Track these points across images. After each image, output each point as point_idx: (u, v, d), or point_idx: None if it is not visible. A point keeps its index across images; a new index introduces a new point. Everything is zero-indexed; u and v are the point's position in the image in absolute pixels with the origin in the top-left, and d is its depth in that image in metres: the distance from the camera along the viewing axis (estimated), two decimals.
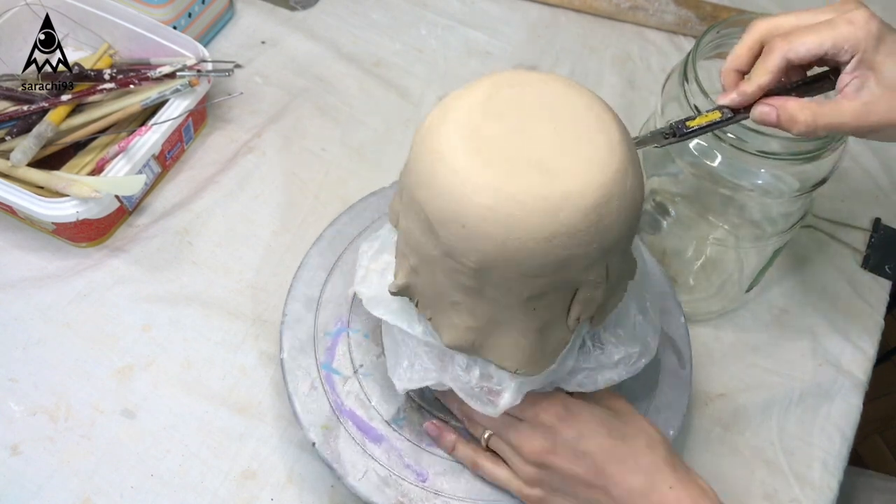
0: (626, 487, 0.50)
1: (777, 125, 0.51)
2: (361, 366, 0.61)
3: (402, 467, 0.57)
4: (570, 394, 0.54)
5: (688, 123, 0.52)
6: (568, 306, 0.48)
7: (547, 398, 0.53)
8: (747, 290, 0.72)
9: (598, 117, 0.46)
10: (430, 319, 0.50)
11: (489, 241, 0.43)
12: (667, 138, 0.54)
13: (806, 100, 0.51)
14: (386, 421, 0.59)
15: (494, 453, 0.57)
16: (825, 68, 0.53)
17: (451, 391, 0.53)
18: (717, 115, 0.52)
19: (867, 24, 0.49)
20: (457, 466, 0.58)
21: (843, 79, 0.50)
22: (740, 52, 0.53)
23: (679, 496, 0.49)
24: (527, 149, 0.44)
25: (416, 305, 0.51)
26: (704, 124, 0.52)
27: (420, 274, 0.48)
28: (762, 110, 0.51)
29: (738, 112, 0.52)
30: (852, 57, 0.50)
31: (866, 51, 0.49)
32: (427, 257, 0.47)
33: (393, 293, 0.51)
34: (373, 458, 0.57)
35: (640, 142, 0.54)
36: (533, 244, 0.43)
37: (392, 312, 0.54)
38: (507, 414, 0.54)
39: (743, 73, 0.53)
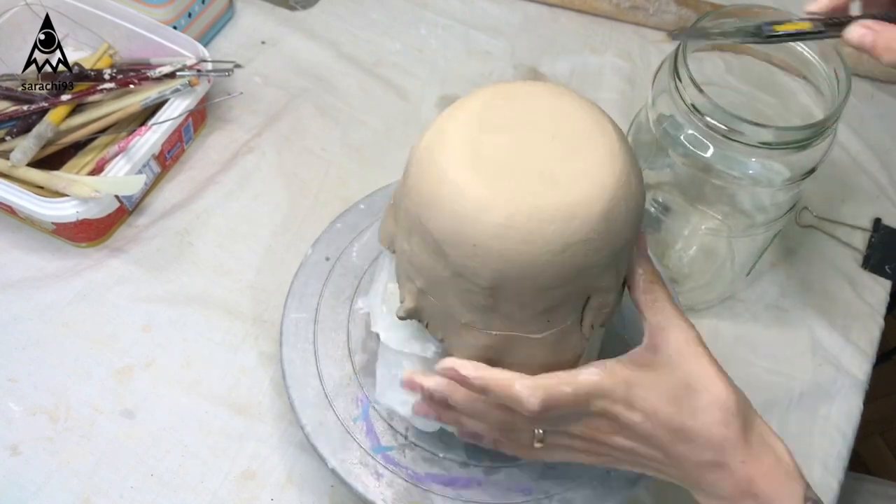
0: (695, 462, 0.47)
1: (871, 51, 0.48)
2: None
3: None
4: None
5: (774, 27, 0.49)
6: (581, 314, 0.47)
7: (609, 376, 0.47)
8: (747, 275, 0.73)
9: (596, 122, 0.46)
10: (441, 341, 0.50)
11: (502, 259, 0.43)
12: (748, 38, 0.50)
13: None
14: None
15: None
16: None
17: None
18: (806, 26, 0.49)
19: None
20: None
21: None
22: None
23: (749, 472, 0.46)
24: (530, 161, 0.44)
25: (427, 327, 0.50)
26: (792, 31, 0.49)
27: (429, 295, 0.48)
28: (861, 32, 0.48)
29: (829, 27, 0.49)
30: None
31: None
32: (436, 279, 0.46)
33: (402, 318, 0.50)
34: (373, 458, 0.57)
35: (722, 34, 0.51)
36: (547, 257, 0.42)
37: (403, 340, 0.53)
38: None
39: None
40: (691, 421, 0.46)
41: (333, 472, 0.57)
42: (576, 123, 0.45)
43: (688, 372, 0.47)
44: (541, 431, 0.49)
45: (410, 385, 0.51)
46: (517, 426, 0.50)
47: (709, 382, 0.47)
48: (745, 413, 0.47)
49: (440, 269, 0.45)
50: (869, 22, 0.49)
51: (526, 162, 0.44)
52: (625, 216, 0.44)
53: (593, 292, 0.46)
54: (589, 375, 0.47)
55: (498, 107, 0.46)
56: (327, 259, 0.66)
